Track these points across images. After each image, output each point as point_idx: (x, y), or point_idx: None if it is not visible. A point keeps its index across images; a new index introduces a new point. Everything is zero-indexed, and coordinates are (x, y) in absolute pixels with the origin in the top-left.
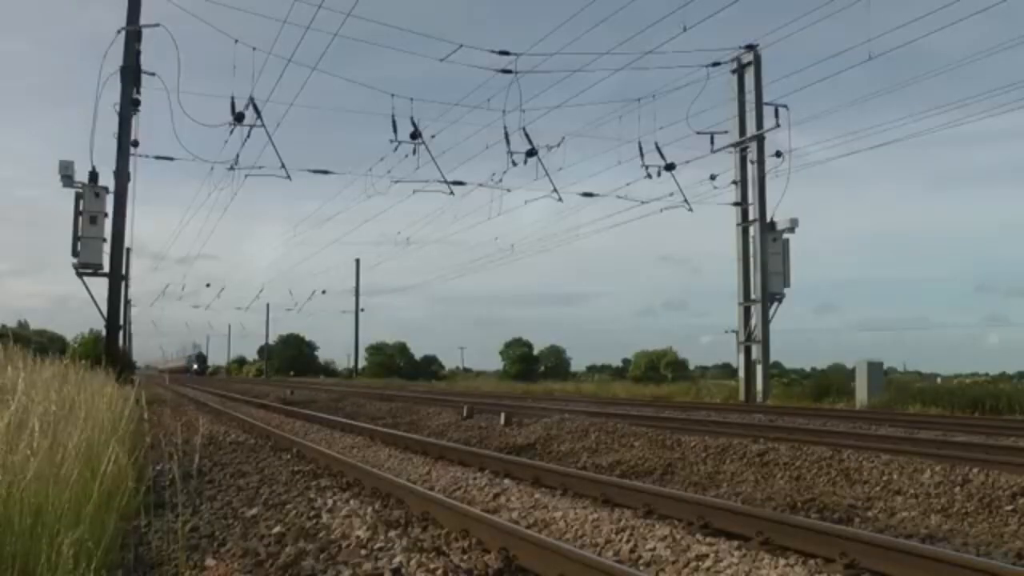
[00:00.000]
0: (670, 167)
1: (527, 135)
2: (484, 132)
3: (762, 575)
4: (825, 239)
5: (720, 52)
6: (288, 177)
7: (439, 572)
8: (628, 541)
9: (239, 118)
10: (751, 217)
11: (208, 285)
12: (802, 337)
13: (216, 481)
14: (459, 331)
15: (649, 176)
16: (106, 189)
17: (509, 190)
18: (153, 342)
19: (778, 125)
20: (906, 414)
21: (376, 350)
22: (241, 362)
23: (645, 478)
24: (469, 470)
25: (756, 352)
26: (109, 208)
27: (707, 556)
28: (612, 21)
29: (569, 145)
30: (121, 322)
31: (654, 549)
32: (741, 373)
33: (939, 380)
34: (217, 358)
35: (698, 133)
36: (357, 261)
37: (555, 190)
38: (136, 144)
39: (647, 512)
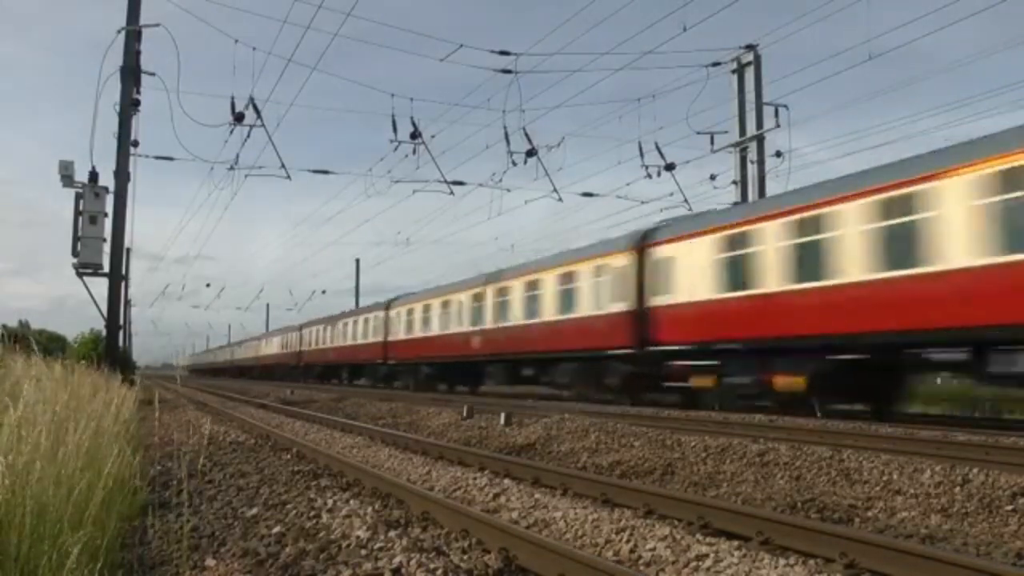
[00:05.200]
0: (670, 167)
1: (527, 135)
2: (484, 132)
3: (762, 575)
4: None
5: (720, 52)
6: (288, 177)
7: (439, 572)
8: (628, 541)
9: (239, 118)
10: None
11: (208, 285)
12: None
13: (216, 481)
14: None
15: (649, 176)
16: (106, 189)
17: (509, 190)
18: (154, 342)
19: (778, 125)
20: (906, 414)
21: None
22: None
23: (645, 478)
24: (469, 470)
25: None
26: (109, 208)
27: (707, 556)
28: (612, 21)
29: (569, 145)
30: (121, 322)
31: (654, 549)
32: None
33: (939, 380)
34: None
35: (698, 133)
36: (357, 261)
37: (555, 190)
38: (136, 144)
39: (647, 512)
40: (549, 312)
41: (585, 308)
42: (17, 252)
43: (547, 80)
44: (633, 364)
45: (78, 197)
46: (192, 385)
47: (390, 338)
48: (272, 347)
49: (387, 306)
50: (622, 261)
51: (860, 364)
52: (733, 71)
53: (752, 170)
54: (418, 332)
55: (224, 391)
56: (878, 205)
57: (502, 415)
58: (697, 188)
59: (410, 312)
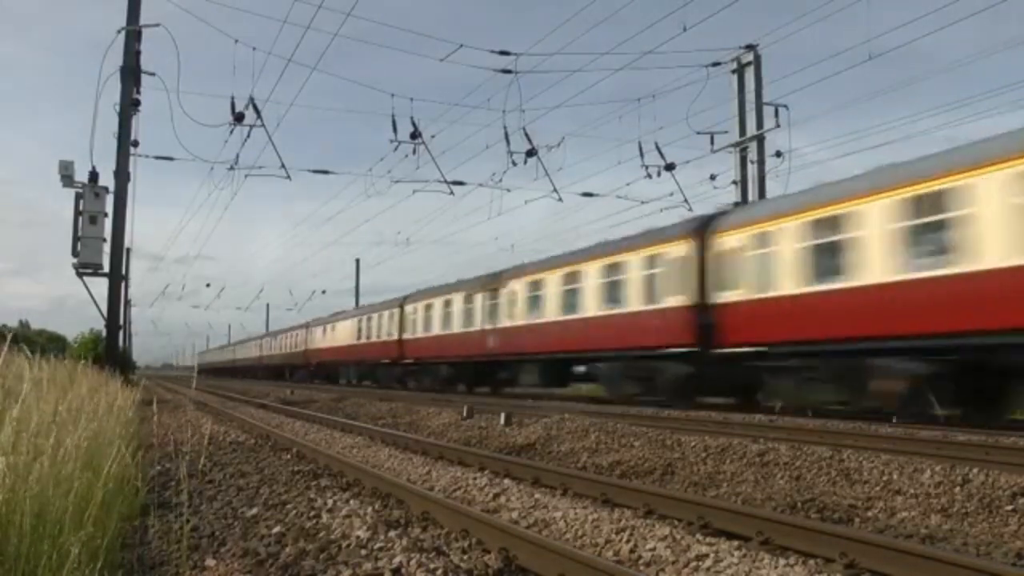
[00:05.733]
0: (670, 167)
1: (527, 135)
2: (484, 132)
3: (762, 575)
4: None
5: (720, 52)
6: (288, 177)
7: (439, 572)
8: (628, 541)
9: (239, 118)
10: None
11: (208, 285)
12: None
13: (216, 481)
14: None
15: (649, 176)
16: (106, 189)
17: (509, 190)
18: (154, 342)
19: (778, 125)
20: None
21: None
22: None
23: (645, 478)
24: (469, 470)
25: None
26: (109, 208)
27: (707, 556)
28: (612, 21)
29: (569, 145)
30: (121, 322)
31: (654, 549)
32: None
33: None
34: None
35: (698, 133)
36: (357, 261)
37: (555, 190)
38: (136, 144)
39: (647, 512)
40: None
41: None
42: (17, 252)
43: (547, 80)
44: None
45: (78, 197)
46: (197, 387)
47: (732, 298)
48: (338, 335)
49: (702, 230)
50: None
51: None
52: (733, 71)
53: (752, 170)
54: (843, 279)
55: (225, 391)
56: None
57: (502, 415)
58: (697, 188)
59: (793, 235)
